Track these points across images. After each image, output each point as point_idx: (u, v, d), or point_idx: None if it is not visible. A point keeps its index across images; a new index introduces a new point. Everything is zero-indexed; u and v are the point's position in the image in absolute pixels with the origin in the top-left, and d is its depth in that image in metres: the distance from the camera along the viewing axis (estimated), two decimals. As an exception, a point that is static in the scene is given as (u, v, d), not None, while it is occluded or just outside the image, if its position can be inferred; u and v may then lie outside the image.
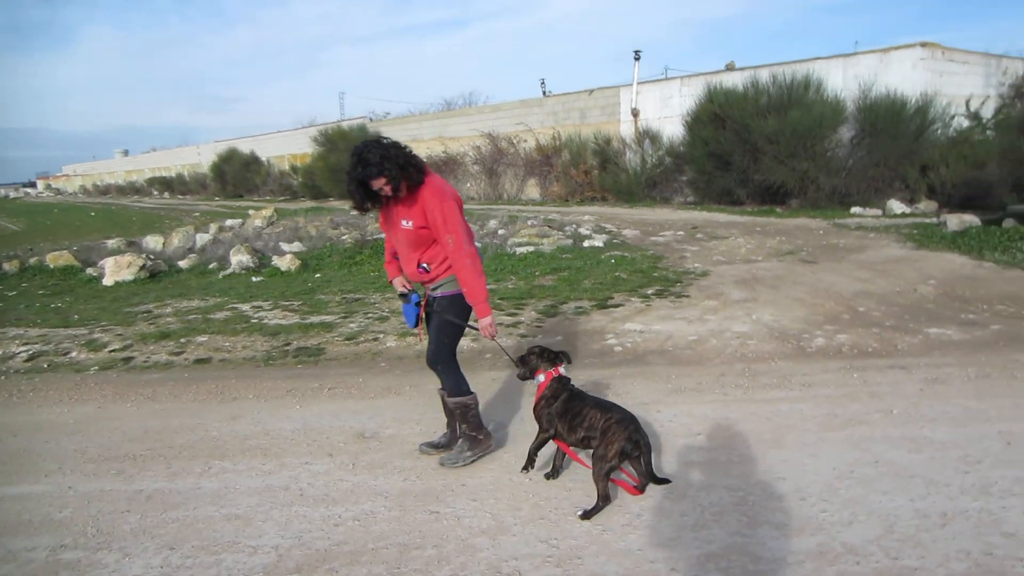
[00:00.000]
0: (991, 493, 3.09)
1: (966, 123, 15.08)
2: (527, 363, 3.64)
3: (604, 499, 3.19)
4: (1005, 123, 14.42)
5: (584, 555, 2.83)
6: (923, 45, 15.23)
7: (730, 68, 19.59)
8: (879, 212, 13.72)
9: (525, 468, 3.58)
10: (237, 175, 41.09)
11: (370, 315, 7.69)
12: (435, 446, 4.07)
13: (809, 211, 14.81)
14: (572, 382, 3.59)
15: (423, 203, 3.64)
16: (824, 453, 3.63)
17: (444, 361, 3.90)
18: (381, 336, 6.86)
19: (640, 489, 3.32)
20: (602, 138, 21.65)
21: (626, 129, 21.91)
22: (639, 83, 22.01)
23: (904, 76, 15.11)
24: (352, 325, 7.30)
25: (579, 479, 3.49)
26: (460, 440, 3.92)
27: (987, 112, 15.63)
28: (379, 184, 3.55)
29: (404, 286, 3.97)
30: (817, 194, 14.92)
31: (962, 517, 2.90)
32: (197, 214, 27.72)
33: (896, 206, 13.64)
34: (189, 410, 5.17)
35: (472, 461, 3.85)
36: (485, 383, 5.18)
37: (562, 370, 3.60)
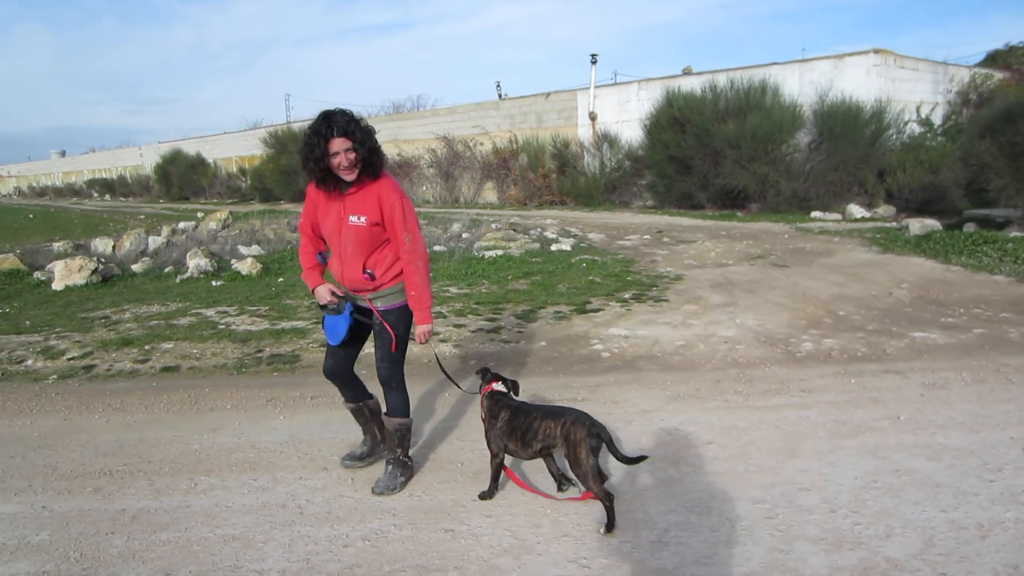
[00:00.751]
0: (1021, 502, 3.08)
1: (918, 129, 15.58)
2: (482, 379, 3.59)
3: (608, 498, 3.08)
4: (955, 129, 14.97)
5: None
6: (876, 51, 15.67)
7: (687, 72, 19.84)
8: (839, 216, 14.03)
9: (484, 496, 3.41)
10: (183, 177, 39.83)
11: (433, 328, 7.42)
12: (359, 457, 3.88)
13: (770, 215, 15.06)
14: (513, 396, 3.49)
15: (380, 197, 3.34)
16: (842, 462, 3.58)
17: (397, 378, 3.63)
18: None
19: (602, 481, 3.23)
20: (560, 141, 21.66)
21: (584, 133, 21.97)
22: (596, 87, 22.11)
23: (859, 82, 15.52)
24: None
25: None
26: (390, 465, 3.62)
27: (936, 118, 16.20)
28: (339, 146, 3.18)
29: (333, 295, 3.52)
30: (777, 198, 15.19)
31: (999, 528, 2.87)
32: (142, 216, 26.72)
33: (856, 210, 13.97)
34: (164, 422, 4.85)
35: (404, 486, 3.60)
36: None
37: (496, 386, 3.49)
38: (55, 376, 6.11)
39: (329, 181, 3.32)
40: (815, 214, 14.34)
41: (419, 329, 3.50)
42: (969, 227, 10.54)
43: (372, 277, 3.42)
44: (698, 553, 2.81)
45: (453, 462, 3.88)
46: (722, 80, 17.04)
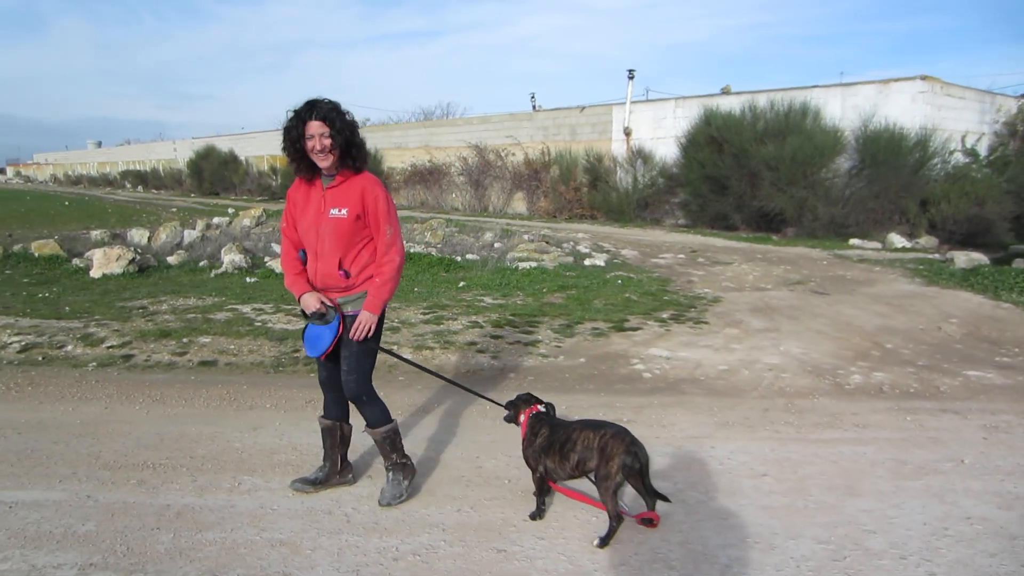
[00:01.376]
0: (1103, 558, 2.93)
1: (963, 159, 15.28)
2: (515, 407, 3.51)
3: (616, 519, 3.07)
4: (1001, 160, 14.66)
5: (684, 611, 2.59)
6: (923, 78, 15.42)
7: (726, 92, 19.68)
8: (879, 245, 13.78)
9: (534, 516, 3.32)
10: (215, 173, 40.39)
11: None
12: (312, 482, 3.63)
13: (806, 240, 14.84)
14: (553, 413, 3.47)
15: (364, 189, 3.30)
16: (907, 505, 3.44)
17: (368, 391, 3.49)
18: (394, 348, 6.56)
19: (653, 510, 3.19)
20: (594, 155, 21.57)
21: (617, 148, 21.86)
22: (632, 102, 22.02)
23: (903, 108, 15.26)
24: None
25: (642, 529, 3.25)
26: (391, 472, 3.54)
27: (982, 149, 15.87)
28: (315, 129, 3.16)
29: (322, 303, 3.33)
30: (814, 223, 14.96)
31: (1085, 585, 2.73)
32: (174, 209, 26.99)
33: (897, 240, 13.71)
34: (204, 417, 4.83)
35: (410, 489, 3.54)
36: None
37: (540, 408, 3.45)
38: (94, 363, 6.13)
39: (305, 168, 3.30)
40: (854, 241, 14.10)
41: (362, 314, 3.33)
42: (1019, 263, 10.27)
43: (347, 275, 3.33)
44: (766, 593, 2.70)
45: (500, 478, 3.79)
46: (762, 101, 16.87)
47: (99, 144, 71.95)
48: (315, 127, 3.17)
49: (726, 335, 7.10)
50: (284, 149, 3.29)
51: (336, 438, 3.67)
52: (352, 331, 3.32)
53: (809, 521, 3.27)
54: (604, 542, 3.03)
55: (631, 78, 21.49)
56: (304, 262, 3.41)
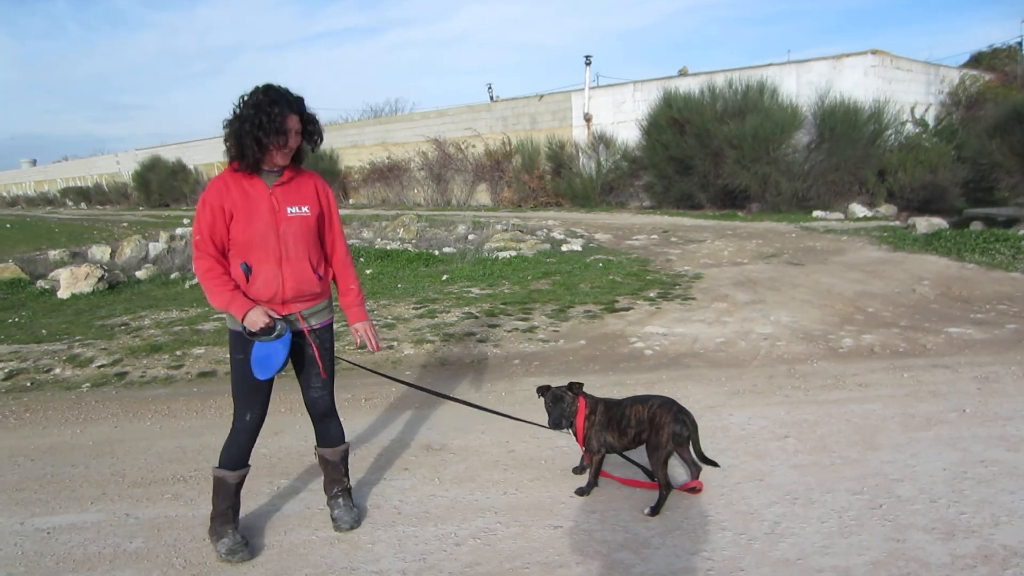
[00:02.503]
0: (1113, 488, 3.17)
1: (914, 129, 15.88)
2: (564, 406, 3.43)
3: (667, 487, 3.21)
4: (948, 129, 15.28)
5: (746, 567, 2.73)
6: (873, 52, 15.95)
7: (683, 73, 20.01)
8: (841, 216, 14.25)
9: (582, 492, 3.42)
10: (163, 184, 39.45)
11: (373, 322, 7.37)
12: (245, 543, 3.09)
13: (771, 215, 15.25)
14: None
15: (316, 186, 3.05)
16: (923, 454, 3.65)
17: (334, 404, 3.30)
18: (395, 344, 6.59)
19: (697, 478, 3.34)
20: (556, 143, 21.74)
21: (579, 134, 22.07)
22: (591, 88, 22.23)
23: (856, 82, 15.78)
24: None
25: (685, 495, 3.39)
26: (341, 498, 3.28)
27: (929, 119, 16.51)
28: (294, 125, 2.86)
29: (268, 316, 2.93)
30: (777, 198, 15.38)
31: (1103, 512, 2.95)
32: (125, 224, 26.31)
33: (858, 210, 14.21)
34: (220, 426, 4.75)
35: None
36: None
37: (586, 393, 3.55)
38: (88, 384, 6.01)
39: (253, 163, 2.89)
40: (817, 213, 14.55)
41: (362, 327, 3.21)
42: (975, 225, 10.76)
43: (320, 279, 3.08)
44: (816, 544, 2.85)
45: (535, 460, 3.88)
46: (720, 81, 17.23)
47: (34, 162, 69.33)
48: (294, 122, 2.87)
49: (716, 309, 7.30)
50: (242, 144, 2.84)
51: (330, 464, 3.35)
52: (370, 341, 3.19)
53: (839, 475, 3.45)
54: (655, 511, 3.15)
55: (588, 64, 21.72)
56: (248, 275, 2.98)
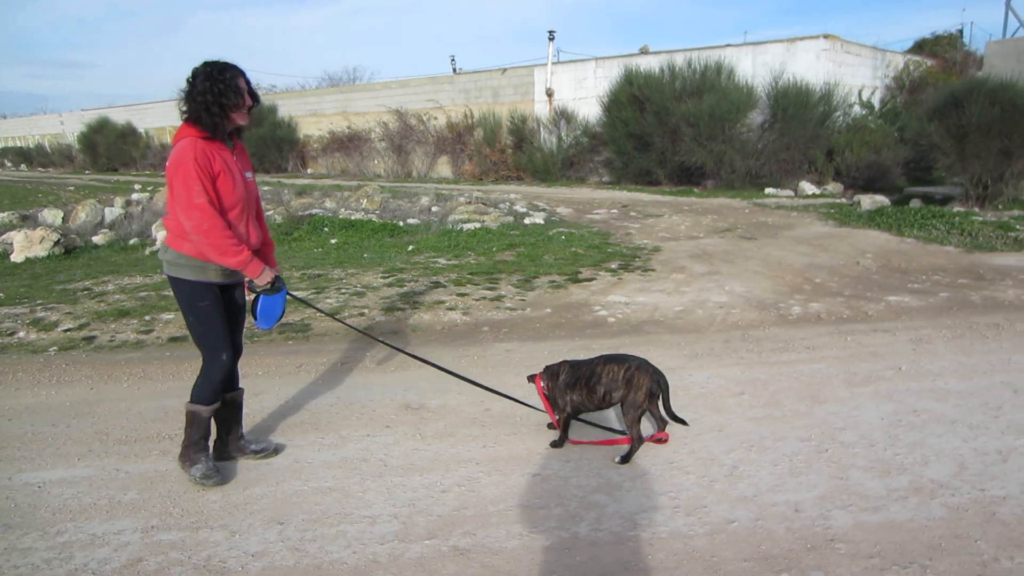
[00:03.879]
0: (1025, 432, 3.58)
1: (860, 111, 16.51)
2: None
3: (639, 440, 3.47)
4: (892, 112, 15.94)
5: (708, 504, 3.03)
6: (825, 37, 16.47)
7: (644, 51, 20.25)
8: (791, 193, 14.80)
9: (555, 444, 3.68)
10: (111, 147, 37.93)
11: (343, 291, 7.50)
12: (217, 470, 3.49)
13: (725, 191, 15.72)
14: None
15: (246, 153, 3.43)
16: (863, 406, 4.02)
17: None
18: (366, 311, 6.74)
19: (663, 430, 3.64)
20: (518, 117, 21.83)
21: (540, 109, 22.19)
22: (553, 63, 22.33)
23: (809, 65, 16.29)
24: (330, 301, 7.11)
25: (652, 446, 3.68)
26: (241, 440, 3.73)
27: (875, 101, 17.16)
28: (243, 84, 3.20)
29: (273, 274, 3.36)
30: (732, 175, 15.86)
31: (1016, 454, 3.35)
32: (72, 188, 25.43)
33: (808, 187, 14.77)
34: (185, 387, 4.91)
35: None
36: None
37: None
38: (55, 348, 6.01)
39: (220, 131, 3.18)
40: (769, 190, 15.07)
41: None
42: (915, 203, 11.36)
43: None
44: (770, 483, 3.17)
45: (511, 417, 4.12)
46: (679, 60, 17.55)
47: (-33, 120, 65.90)
48: (243, 82, 3.19)
49: (674, 280, 7.64)
50: (210, 106, 3.10)
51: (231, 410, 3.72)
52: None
53: (789, 425, 3.79)
54: (626, 459, 3.43)
55: (551, 39, 21.75)
56: None
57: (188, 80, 3.17)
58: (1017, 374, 4.48)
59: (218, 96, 3.10)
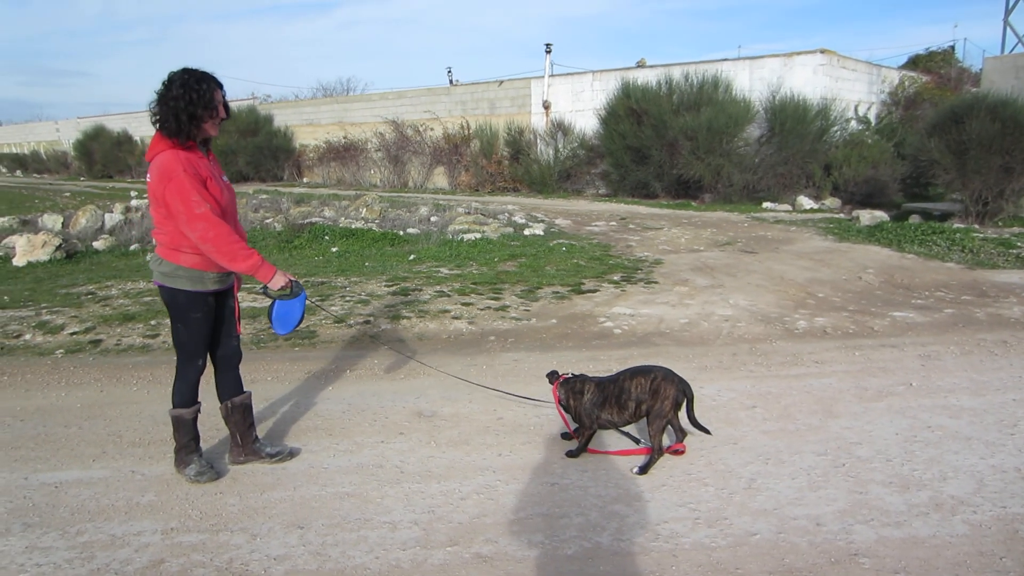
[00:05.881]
0: (1043, 450, 3.60)
1: (857, 126, 16.67)
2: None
3: (659, 451, 3.50)
4: (888, 127, 16.11)
5: (728, 516, 3.04)
6: (822, 51, 16.65)
7: (642, 65, 20.40)
8: (789, 207, 14.90)
9: (572, 454, 3.68)
10: (107, 154, 37.90)
11: (348, 298, 7.50)
12: (213, 468, 3.60)
13: (723, 205, 15.81)
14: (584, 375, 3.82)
15: (216, 159, 3.44)
16: (877, 421, 4.04)
17: None
18: (372, 319, 6.74)
19: (682, 442, 3.65)
20: (515, 129, 21.92)
21: (537, 121, 22.29)
22: (550, 76, 22.45)
23: (806, 80, 16.46)
24: (335, 308, 7.10)
25: (667, 457, 3.69)
26: (256, 443, 3.75)
27: (872, 116, 17.35)
28: (220, 98, 3.21)
29: (288, 278, 3.36)
30: (729, 189, 15.96)
31: (1033, 469, 3.38)
32: (68, 194, 25.28)
33: (805, 202, 14.88)
34: (210, 393, 4.84)
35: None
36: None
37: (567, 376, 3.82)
38: (62, 351, 5.98)
39: (194, 137, 3.21)
40: (767, 204, 15.17)
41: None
42: (914, 219, 11.46)
43: None
44: (789, 496, 3.19)
45: (524, 426, 4.12)
46: (676, 74, 17.68)
47: (-37, 127, 65.71)
48: (220, 95, 3.21)
49: (678, 292, 7.67)
50: (180, 113, 3.10)
51: (235, 416, 3.72)
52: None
53: (804, 439, 3.81)
54: (644, 470, 3.43)
55: (548, 52, 21.90)
56: None
57: (163, 83, 3.17)
58: (1027, 391, 4.52)
59: (189, 104, 3.10)
